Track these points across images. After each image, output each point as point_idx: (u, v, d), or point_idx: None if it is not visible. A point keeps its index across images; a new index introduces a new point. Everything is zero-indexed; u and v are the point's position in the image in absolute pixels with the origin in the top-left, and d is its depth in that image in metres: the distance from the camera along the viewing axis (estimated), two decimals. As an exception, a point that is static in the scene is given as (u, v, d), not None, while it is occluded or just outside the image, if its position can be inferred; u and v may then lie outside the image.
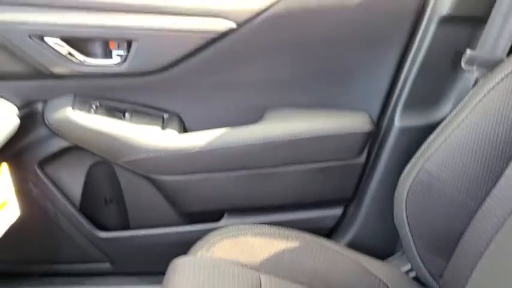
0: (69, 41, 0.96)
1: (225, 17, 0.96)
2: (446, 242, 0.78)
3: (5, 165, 0.91)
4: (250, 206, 1.15)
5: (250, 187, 1.09)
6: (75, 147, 1.05)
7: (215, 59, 1.01)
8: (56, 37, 0.94)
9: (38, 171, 1.08)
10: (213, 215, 1.16)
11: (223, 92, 1.07)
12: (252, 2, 0.97)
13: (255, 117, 1.08)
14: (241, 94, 1.08)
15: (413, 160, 0.84)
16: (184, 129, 1.09)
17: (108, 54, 1.00)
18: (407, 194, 0.81)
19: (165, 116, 1.08)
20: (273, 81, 1.06)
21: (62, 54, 0.96)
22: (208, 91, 1.07)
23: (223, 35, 0.97)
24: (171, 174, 1.06)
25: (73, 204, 1.13)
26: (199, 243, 0.90)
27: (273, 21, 0.96)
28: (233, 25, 0.96)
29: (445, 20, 0.92)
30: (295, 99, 1.08)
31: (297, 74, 1.05)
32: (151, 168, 1.05)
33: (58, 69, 0.97)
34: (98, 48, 1.00)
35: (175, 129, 1.06)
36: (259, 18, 0.96)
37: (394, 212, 0.86)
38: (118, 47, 0.98)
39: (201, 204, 1.13)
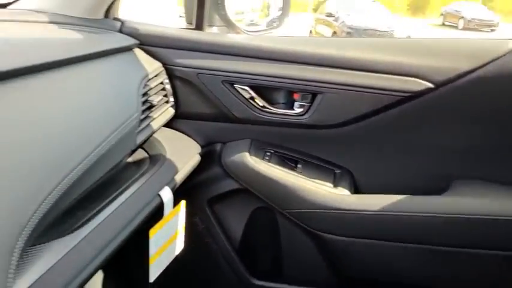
0: (254, 88, 0.99)
1: (422, 77, 0.88)
2: None
3: (183, 202, 0.96)
4: (417, 286, 1.01)
5: (422, 264, 0.97)
6: (243, 190, 1.06)
7: (401, 119, 0.93)
8: (246, 85, 0.97)
9: (206, 208, 1.12)
10: (373, 285, 1.05)
11: (404, 155, 0.98)
12: (453, 61, 0.88)
13: (437, 186, 0.97)
14: (424, 159, 0.98)
15: None
16: (355, 189, 1.03)
17: (289, 104, 1.00)
18: None
19: (337, 171, 1.03)
20: (464, 149, 0.94)
21: (246, 100, 0.99)
22: (388, 152, 0.99)
23: (417, 95, 0.89)
24: (336, 234, 1.00)
25: (233, 246, 1.14)
26: None
27: (478, 84, 0.86)
28: (430, 85, 0.87)
29: None
30: (491, 171, 0.94)
31: (496, 144, 0.92)
32: (316, 223, 1.00)
33: (240, 114, 1.01)
34: (281, 97, 1.01)
35: (346, 187, 1.00)
36: (462, 80, 0.86)
37: None
38: (301, 98, 0.97)
39: (362, 272, 1.04)
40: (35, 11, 0.87)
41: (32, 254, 0.54)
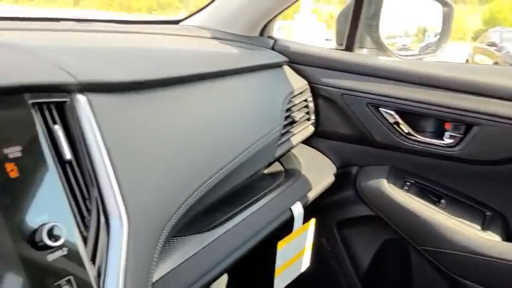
0: (401, 113, 0.94)
1: None
2: None
3: (313, 220, 0.95)
4: None
5: None
6: (376, 218, 1.01)
7: None
8: (391, 109, 0.94)
9: (335, 231, 1.09)
10: None
11: None
12: None
13: None
14: None
15: None
16: (508, 236, 0.90)
17: (438, 133, 0.93)
18: None
19: (488, 213, 0.92)
20: None
21: (390, 124, 0.95)
22: None
23: None
24: (480, 284, 0.88)
25: (358, 273, 1.10)
26: None
27: None
28: None
29: None
30: None
31: None
32: (457, 267, 0.90)
33: (382, 139, 0.96)
34: (429, 125, 0.95)
35: (496, 233, 0.89)
36: None
37: None
38: (453, 129, 0.89)
39: None
40: (201, 27, 0.97)
41: (173, 244, 0.59)
